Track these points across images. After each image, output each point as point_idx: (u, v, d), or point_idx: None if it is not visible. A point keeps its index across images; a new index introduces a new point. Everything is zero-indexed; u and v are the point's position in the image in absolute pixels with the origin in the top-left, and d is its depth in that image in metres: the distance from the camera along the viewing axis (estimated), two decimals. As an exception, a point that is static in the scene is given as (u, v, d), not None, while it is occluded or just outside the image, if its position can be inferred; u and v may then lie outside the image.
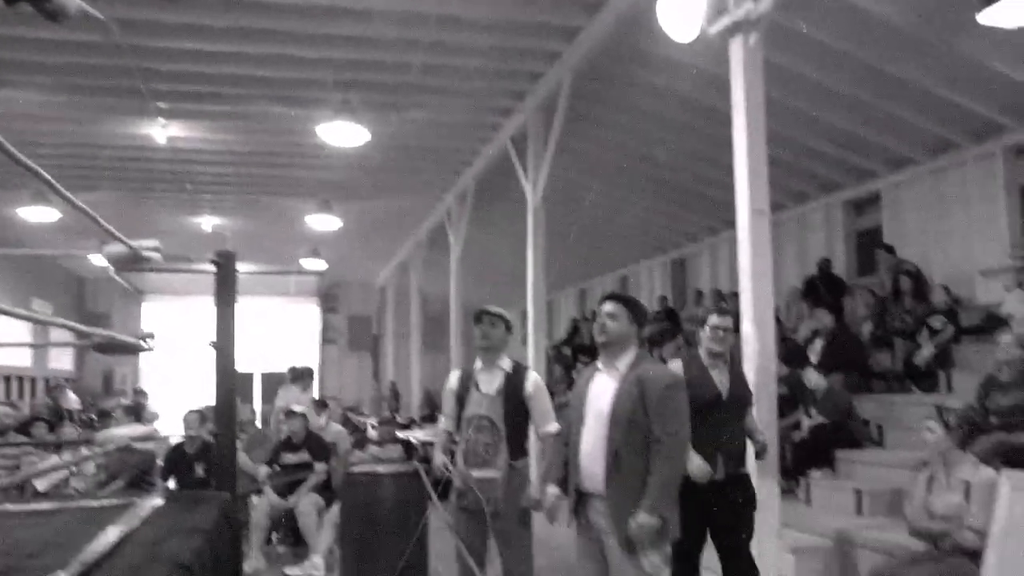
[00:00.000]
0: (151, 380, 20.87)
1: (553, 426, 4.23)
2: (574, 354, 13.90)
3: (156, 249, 3.62)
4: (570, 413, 3.72)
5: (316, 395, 8.91)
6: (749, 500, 4.48)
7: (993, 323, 7.17)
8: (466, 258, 13.56)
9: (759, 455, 4.70)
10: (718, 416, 4.25)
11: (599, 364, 3.72)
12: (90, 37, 7.14)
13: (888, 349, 8.69)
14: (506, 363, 4.38)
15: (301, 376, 9.16)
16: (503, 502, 4.18)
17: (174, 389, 19.15)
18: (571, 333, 16.72)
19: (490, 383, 4.34)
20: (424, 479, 5.21)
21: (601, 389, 3.60)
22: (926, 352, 7.78)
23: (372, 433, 7.99)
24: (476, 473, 4.23)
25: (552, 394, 13.08)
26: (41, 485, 7.34)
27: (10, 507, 3.76)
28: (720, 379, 4.39)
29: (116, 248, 3.51)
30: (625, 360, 3.61)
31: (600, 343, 3.70)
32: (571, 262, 16.44)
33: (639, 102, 9.20)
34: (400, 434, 7.93)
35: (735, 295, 10.20)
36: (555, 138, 8.95)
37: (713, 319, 4.46)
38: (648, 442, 3.40)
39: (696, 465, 4.05)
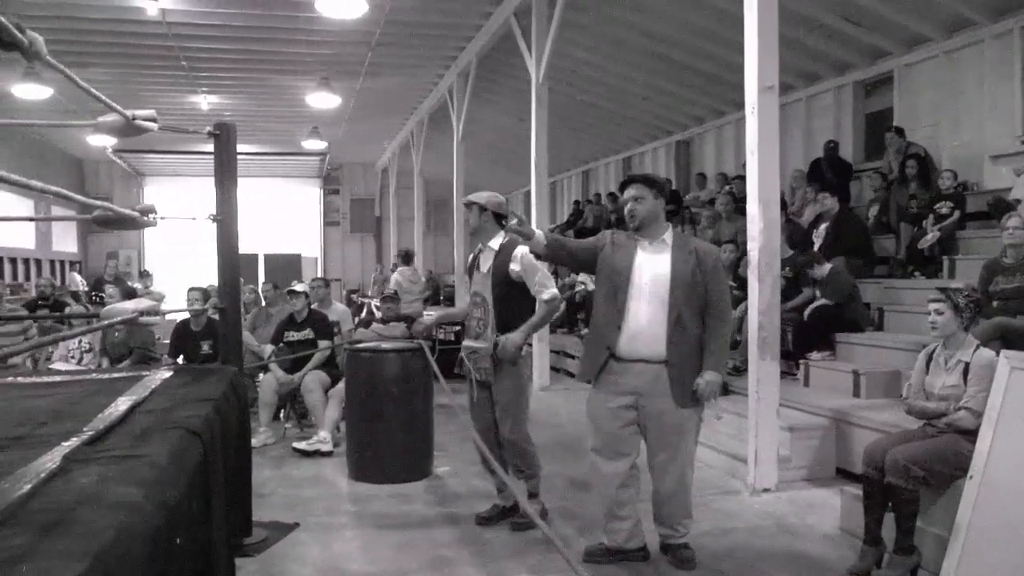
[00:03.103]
0: (156, 263, 20.99)
1: (548, 292, 4.38)
2: (577, 237, 13.86)
3: (152, 119, 3.53)
4: (610, 281, 3.85)
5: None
6: None
7: (999, 208, 7.09)
8: (468, 139, 13.36)
9: None
10: None
11: (639, 238, 3.88)
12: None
13: (892, 234, 8.66)
14: (495, 243, 4.53)
15: (410, 257, 9.85)
16: (491, 372, 4.42)
17: (179, 272, 19.26)
18: (574, 216, 16.65)
19: (485, 262, 4.55)
20: (429, 356, 5.27)
21: (652, 260, 3.80)
22: (931, 237, 7.74)
23: (375, 312, 8.04)
24: (466, 343, 4.58)
25: (555, 274, 13.10)
26: (61, 367, 7.43)
27: (21, 379, 3.82)
28: None
29: (111, 118, 3.43)
30: (668, 233, 3.87)
31: (633, 228, 3.89)
32: (575, 143, 16.25)
33: (647, -25, 8.87)
34: (404, 313, 7.98)
35: (740, 178, 10.13)
36: (559, 13, 8.66)
37: None
38: (701, 309, 3.76)
39: None
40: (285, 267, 20.80)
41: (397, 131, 18.34)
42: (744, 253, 6.11)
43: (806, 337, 7.04)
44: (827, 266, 7.27)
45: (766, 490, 5.12)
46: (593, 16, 9.88)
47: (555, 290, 4.36)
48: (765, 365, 5.24)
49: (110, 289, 9.17)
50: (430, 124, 15.68)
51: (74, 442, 2.12)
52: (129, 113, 3.41)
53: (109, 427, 2.34)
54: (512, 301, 4.40)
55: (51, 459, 1.95)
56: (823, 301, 7.19)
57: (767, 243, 5.26)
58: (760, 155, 5.22)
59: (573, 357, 10.43)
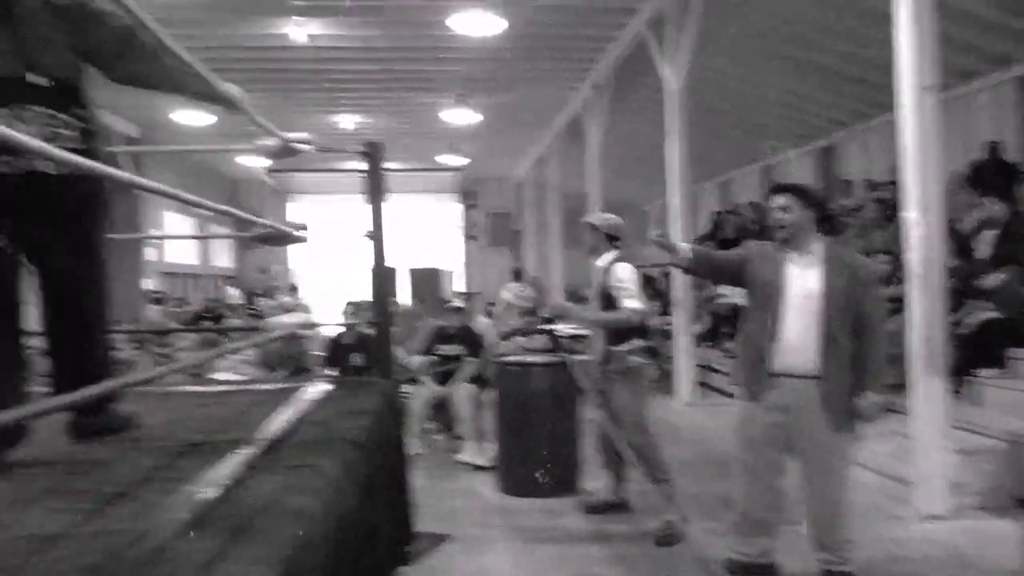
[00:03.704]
0: (302, 278, 22.04)
1: (630, 303, 4.59)
2: (717, 249, 13.54)
3: (307, 141, 3.69)
4: (763, 294, 3.74)
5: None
6: None
7: None
8: (604, 151, 13.30)
9: None
10: None
11: (788, 251, 3.74)
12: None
13: (1072, 240, 7.99)
14: (603, 261, 4.81)
15: (520, 274, 11.22)
16: (602, 382, 4.75)
17: (318, 285, 20.25)
18: (714, 227, 16.28)
19: (595, 280, 4.87)
20: (575, 371, 5.27)
21: (802, 274, 3.67)
22: (1117, 243, 7.11)
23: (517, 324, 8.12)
24: (578, 357, 5.03)
25: (699, 287, 12.82)
26: (224, 377, 7.87)
27: (191, 388, 4.07)
28: None
29: (270, 141, 3.61)
30: (819, 245, 3.72)
31: (781, 239, 3.76)
32: (713, 153, 15.88)
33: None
34: (544, 327, 8.00)
35: (890, 184, 9.61)
36: (694, 21, 8.52)
37: None
38: (855, 325, 3.59)
39: None
40: (427, 281, 21.21)
41: (532, 145, 18.50)
42: (899, 264, 5.79)
43: (972, 353, 6.57)
44: (998, 276, 6.79)
45: (935, 517, 4.79)
46: (729, 22, 9.65)
47: (636, 305, 4.58)
48: (930, 383, 4.93)
49: (268, 302, 9.69)
50: (565, 137, 15.73)
51: (250, 451, 2.21)
52: (286, 136, 3.57)
53: (281, 437, 2.43)
54: None
55: (231, 466, 2.04)
56: (993, 314, 6.71)
57: (929, 252, 4.95)
58: (921, 159, 4.93)
59: (717, 371, 10.18)
